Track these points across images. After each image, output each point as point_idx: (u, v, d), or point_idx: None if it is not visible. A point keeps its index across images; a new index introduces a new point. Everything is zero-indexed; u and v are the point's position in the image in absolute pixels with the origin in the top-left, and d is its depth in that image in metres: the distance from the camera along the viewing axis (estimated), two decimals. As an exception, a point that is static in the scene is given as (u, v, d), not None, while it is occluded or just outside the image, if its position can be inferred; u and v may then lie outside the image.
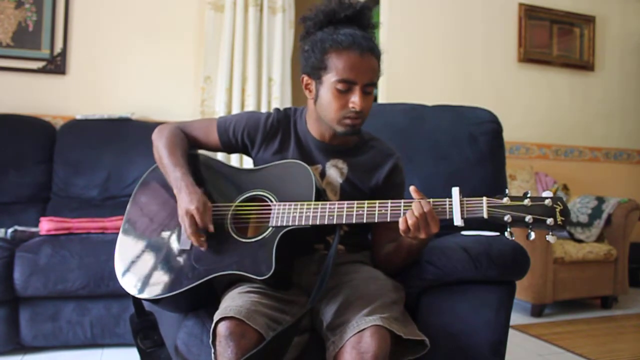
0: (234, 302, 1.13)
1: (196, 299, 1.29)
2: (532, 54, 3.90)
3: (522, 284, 2.98)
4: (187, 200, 1.23)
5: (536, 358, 2.38)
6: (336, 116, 1.26)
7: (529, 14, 3.87)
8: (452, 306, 1.30)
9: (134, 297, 1.32)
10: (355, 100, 1.24)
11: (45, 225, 2.34)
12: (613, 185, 4.06)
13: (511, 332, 1.72)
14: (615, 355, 2.48)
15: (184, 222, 1.23)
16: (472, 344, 1.26)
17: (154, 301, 1.28)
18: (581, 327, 2.91)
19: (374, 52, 1.26)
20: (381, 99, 3.55)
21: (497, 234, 1.36)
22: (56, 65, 3.02)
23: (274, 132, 1.39)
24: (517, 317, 2.98)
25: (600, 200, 3.40)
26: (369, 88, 1.27)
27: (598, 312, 3.25)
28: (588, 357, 2.39)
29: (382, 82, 3.55)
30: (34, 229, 2.38)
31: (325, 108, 1.28)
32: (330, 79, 1.25)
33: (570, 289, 3.13)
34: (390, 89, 3.53)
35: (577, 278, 3.14)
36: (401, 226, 1.11)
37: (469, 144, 1.77)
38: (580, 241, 3.30)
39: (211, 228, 1.23)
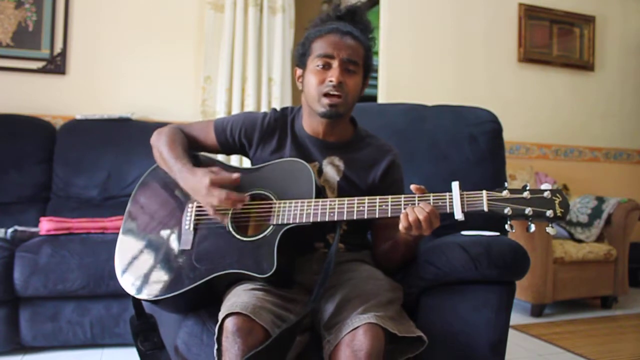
0: (239, 298, 1.13)
1: (197, 299, 1.29)
2: (532, 54, 3.90)
3: (522, 284, 2.98)
4: (195, 181, 1.23)
5: (536, 358, 2.38)
6: (316, 93, 1.27)
7: (529, 14, 3.87)
8: (452, 306, 1.30)
9: (134, 299, 1.32)
10: (332, 72, 1.25)
11: (45, 225, 2.34)
12: (613, 185, 4.06)
13: (511, 332, 1.71)
14: (615, 355, 2.48)
15: (212, 200, 1.20)
16: (472, 343, 1.26)
17: (154, 301, 1.28)
18: (581, 327, 2.90)
19: (356, 37, 1.29)
20: (381, 99, 3.55)
21: (497, 234, 1.36)
22: (56, 65, 3.02)
23: (271, 131, 1.40)
24: (517, 317, 2.98)
25: (600, 200, 3.40)
26: (352, 66, 1.28)
27: (598, 312, 3.25)
28: (588, 357, 2.38)
29: (382, 82, 3.56)
30: (34, 229, 2.38)
31: (308, 90, 1.30)
32: (311, 60, 1.29)
33: (570, 289, 3.13)
34: (390, 89, 3.52)
35: (577, 278, 3.14)
36: (403, 223, 1.11)
37: (469, 144, 1.77)
38: (580, 241, 3.30)
39: (236, 176, 1.22)
